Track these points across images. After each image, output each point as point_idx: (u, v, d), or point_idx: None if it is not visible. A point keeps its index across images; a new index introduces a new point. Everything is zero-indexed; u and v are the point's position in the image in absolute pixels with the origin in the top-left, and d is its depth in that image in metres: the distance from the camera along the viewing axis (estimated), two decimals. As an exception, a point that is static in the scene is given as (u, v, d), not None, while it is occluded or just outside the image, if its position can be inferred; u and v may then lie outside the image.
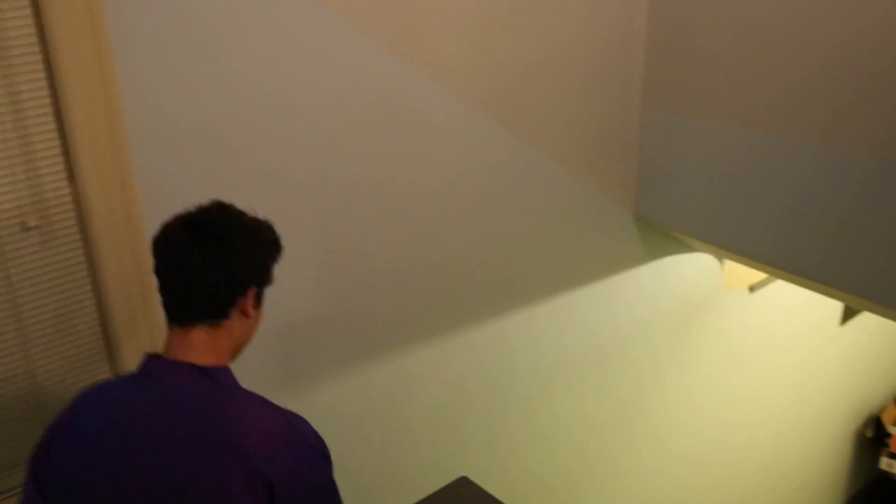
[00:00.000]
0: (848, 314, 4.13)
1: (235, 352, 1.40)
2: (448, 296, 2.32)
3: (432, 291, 2.27)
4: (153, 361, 1.34)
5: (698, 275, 3.11)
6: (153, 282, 1.35)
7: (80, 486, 1.30)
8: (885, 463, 4.61)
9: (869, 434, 4.82)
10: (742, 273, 3.32)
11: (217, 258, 1.29)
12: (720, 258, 3.16)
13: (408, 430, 2.39)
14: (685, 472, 3.57)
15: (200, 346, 1.33)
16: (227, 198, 1.42)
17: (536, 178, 2.39)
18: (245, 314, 1.36)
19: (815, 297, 3.86)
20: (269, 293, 1.43)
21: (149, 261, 1.39)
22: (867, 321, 4.30)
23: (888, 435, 4.60)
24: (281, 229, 1.43)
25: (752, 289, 3.40)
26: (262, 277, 1.38)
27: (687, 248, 2.99)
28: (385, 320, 2.21)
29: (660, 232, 2.82)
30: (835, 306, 4.03)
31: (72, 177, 1.61)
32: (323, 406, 2.16)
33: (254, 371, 1.88)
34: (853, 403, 4.67)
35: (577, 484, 3.03)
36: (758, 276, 3.42)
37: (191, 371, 1.31)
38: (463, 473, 2.43)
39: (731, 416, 3.67)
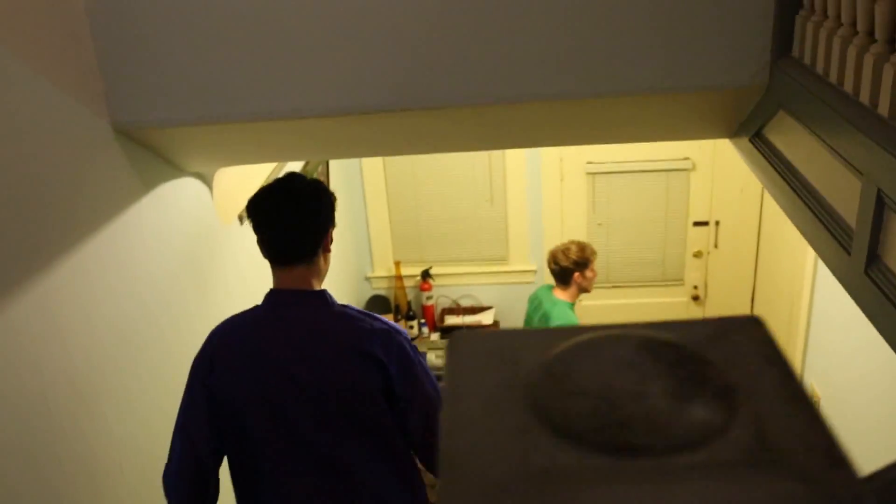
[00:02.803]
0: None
1: (322, 280, 1.89)
2: None
3: None
4: (275, 294, 1.85)
5: (196, 207, 2.46)
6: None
7: (246, 411, 1.79)
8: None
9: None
10: (229, 202, 2.77)
11: (307, 213, 1.83)
12: (210, 180, 2.55)
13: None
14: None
15: (304, 279, 1.83)
16: None
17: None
18: (326, 250, 1.88)
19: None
20: None
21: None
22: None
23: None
24: None
25: (241, 219, 2.88)
26: (332, 221, 1.89)
27: (178, 172, 2.30)
28: None
29: (146, 150, 2.08)
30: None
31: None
32: None
33: None
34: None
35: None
36: (242, 203, 2.90)
37: (306, 296, 1.84)
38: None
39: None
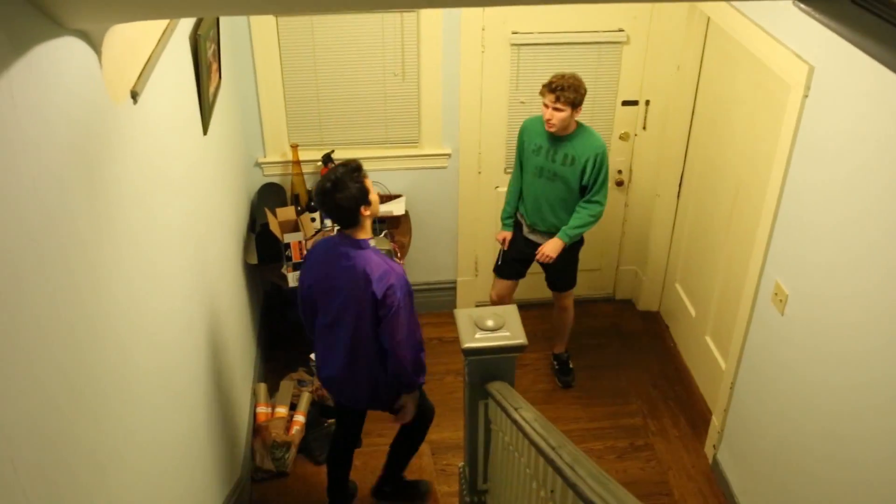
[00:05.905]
0: (206, 126, 3.23)
1: (367, 228, 3.06)
2: None
3: None
4: (339, 234, 3.08)
5: (83, 82, 1.78)
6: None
7: (313, 286, 3.14)
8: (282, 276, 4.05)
9: (252, 261, 4.16)
10: (121, 74, 2.08)
11: (351, 196, 2.90)
12: (98, 44, 1.86)
13: None
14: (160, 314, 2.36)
15: (353, 233, 3.03)
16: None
17: None
18: (364, 215, 2.99)
19: (182, 110, 2.85)
20: None
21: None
22: (216, 134, 3.47)
23: (287, 245, 4.01)
24: None
25: (134, 96, 2.20)
26: (365, 195, 2.95)
27: (57, 30, 1.62)
28: None
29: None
30: (196, 118, 3.08)
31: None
32: None
33: None
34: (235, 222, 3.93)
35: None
36: (134, 74, 2.22)
37: (351, 241, 3.03)
38: None
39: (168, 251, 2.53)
